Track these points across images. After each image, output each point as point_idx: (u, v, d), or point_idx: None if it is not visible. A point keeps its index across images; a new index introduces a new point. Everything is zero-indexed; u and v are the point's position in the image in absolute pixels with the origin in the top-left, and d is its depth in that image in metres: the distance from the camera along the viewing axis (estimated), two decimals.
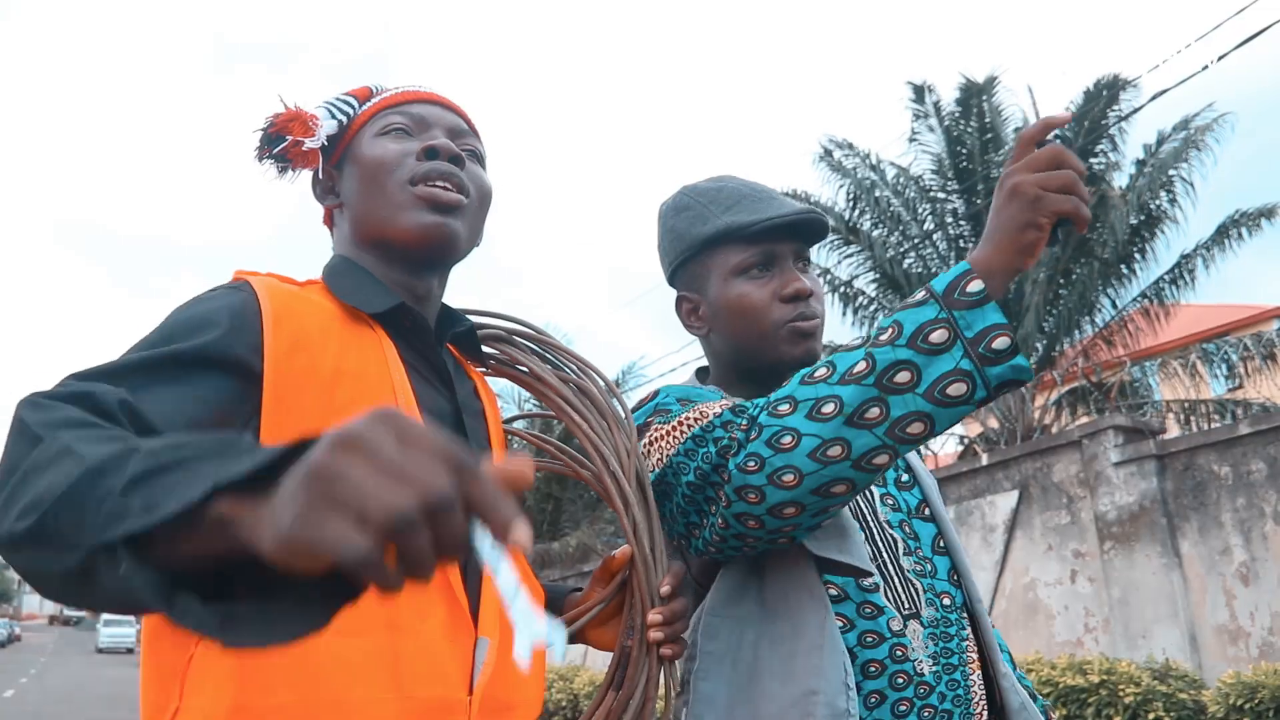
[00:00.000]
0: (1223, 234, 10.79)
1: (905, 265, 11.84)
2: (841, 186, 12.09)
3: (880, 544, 1.11)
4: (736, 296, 1.18)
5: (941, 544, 1.17)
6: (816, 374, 1.00)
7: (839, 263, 12.11)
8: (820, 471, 0.94)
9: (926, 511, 1.18)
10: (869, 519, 1.13)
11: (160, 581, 0.50)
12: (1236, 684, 4.33)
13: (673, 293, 1.29)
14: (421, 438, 0.45)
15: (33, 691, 19.27)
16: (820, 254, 12.25)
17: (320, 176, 1.01)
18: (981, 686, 1.12)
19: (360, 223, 0.96)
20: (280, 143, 0.98)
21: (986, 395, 0.92)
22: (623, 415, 1.09)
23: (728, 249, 1.19)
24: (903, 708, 1.04)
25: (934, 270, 11.79)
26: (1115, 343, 11.77)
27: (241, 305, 0.81)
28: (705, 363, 1.32)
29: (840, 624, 1.05)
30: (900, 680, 1.05)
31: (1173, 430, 10.22)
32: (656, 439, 1.11)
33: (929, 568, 1.13)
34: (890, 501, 1.16)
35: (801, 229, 1.20)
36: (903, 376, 0.92)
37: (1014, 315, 10.98)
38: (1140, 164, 10.84)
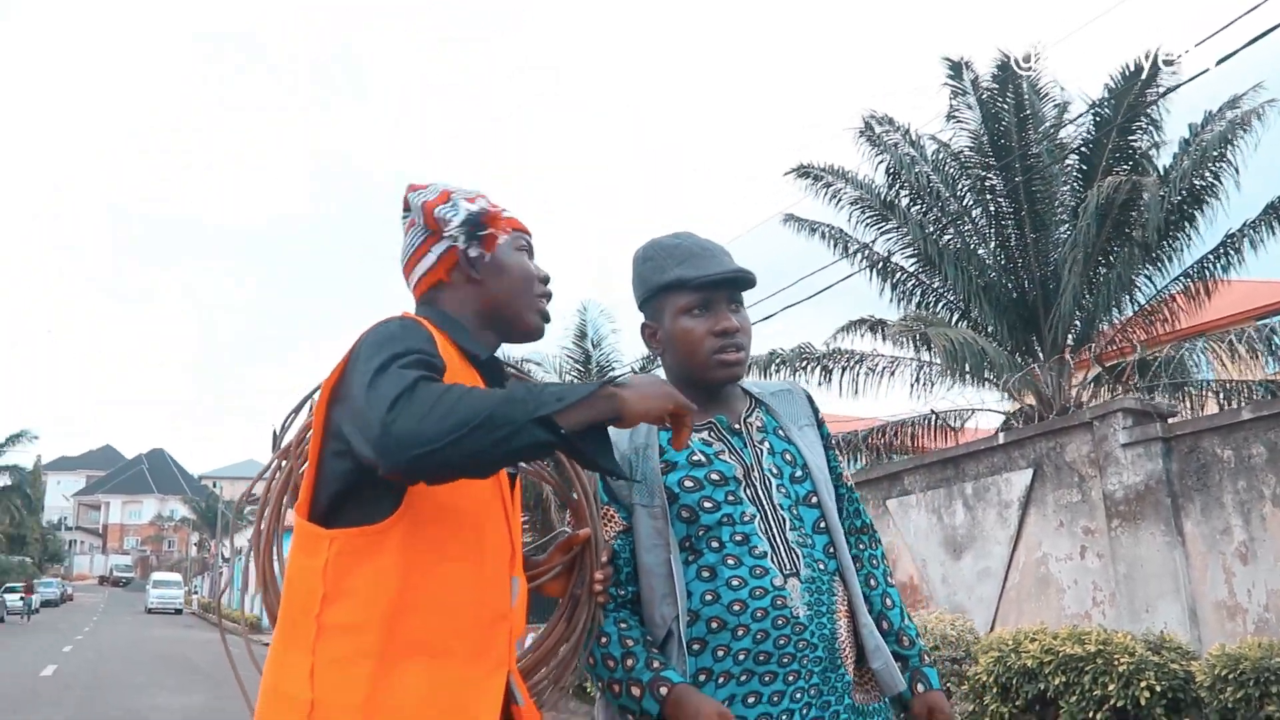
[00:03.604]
0: (1271, 213, 10.66)
1: (943, 242, 11.88)
2: (881, 162, 12.13)
3: (772, 521, 1.52)
4: (681, 330, 1.57)
5: (822, 525, 1.56)
6: None
7: (875, 239, 12.21)
8: None
9: (813, 501, 1.57)
10: (764, 503, 1.53)
11: (560, 437, 1.06)
12: (1222, 656, 4.53)
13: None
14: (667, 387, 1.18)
15: (88, 649, 19.99)
16: (858, 230, 12.36)
17: (463, 254, 1.37)
18: (850, 632, 1.52)
19: (494, 304, 1.37)
20: (485, 228, 1.37)
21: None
22: None
23: (677, 294, 1.58)
24: (781, 642, 1.45)
25: (972, 246, 11.85)
26: (1155, 322, 11.73)
27: (433, 340, 1.22)
28: None
29: (736, 582, 1.47)
30: (780, 622, 1.45)
31: (1212, 411, 10.22)
32: None
33: (809, 541, 1.53)
34: (784, 491, 1.55)
35: (734, 282, 1.58)
36: None
37: (1050, 295, 11.04)
38: (1186, 144, 10.72)
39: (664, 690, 1.42)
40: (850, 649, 1.51)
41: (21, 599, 32.65)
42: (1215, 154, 10.39)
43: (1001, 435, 7.04)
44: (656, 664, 1.46)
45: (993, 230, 11.87)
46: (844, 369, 12.14)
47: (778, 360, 12.17)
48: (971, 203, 11.92)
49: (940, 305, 12.23)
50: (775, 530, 1.51)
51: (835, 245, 12.45)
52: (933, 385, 12.06)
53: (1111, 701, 4.84)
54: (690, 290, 1.56)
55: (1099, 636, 5.11)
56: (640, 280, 1.65)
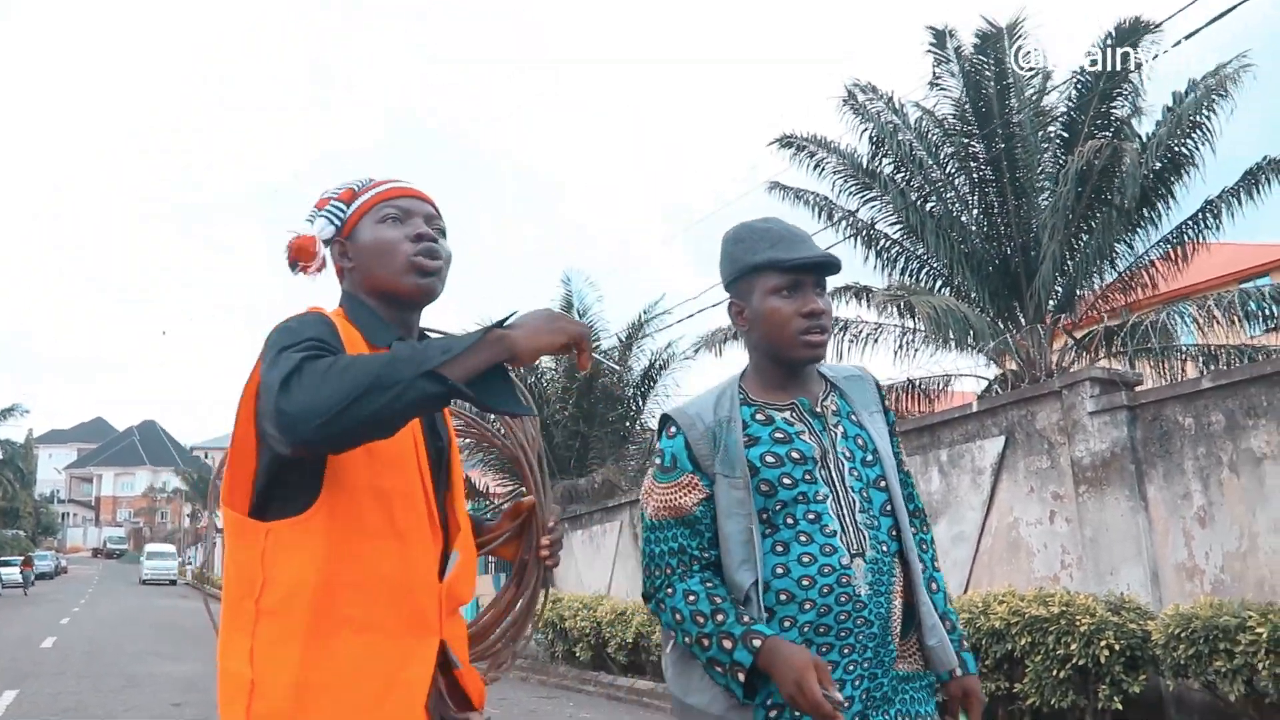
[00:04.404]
0: (1249, 180, 10.75)
1: (926, 209, 11.97)
2: (865, 131, 12.17)
3: (843, 502, 1.59)
4: (770, 309, 1.63)
5: (888, 508, 1.64)
6: None
7: (859, 207, 12.30)
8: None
9: (882, 484, 1.64)
10: (837, 485, 1.60)
11: (449, 387, 1.12)
12: (1176, 615, 4.73)
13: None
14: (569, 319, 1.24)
15: (87, 620, 20.15)
16: (842, 198, 12.42)
17: (334, 249, 1.48)
18: (901, 611, 1.60)
19: (373, 280, 1.43)
20: (296, 266, 1.47)
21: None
22: (527, 402, 1.62)
23: (768, 275, 1.64)
24: (842, 618, 1.54)
25: (955, 213, 11.95)
26: (1135, 287, 11.88)
27: (331, 327, 1.30)
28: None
29: (806, 559, 1.54)
30: (843, 599, 1.54)
31: (1191, 375, 10.40)
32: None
33: (876, 523, 1.60)
34: (855, 474, 1.62)
35: (823, 267, 1.65)
36: None
37: (1031, 262, 11.17)
38: (1168, 110, 10.78)
39: (757, 642, 1.47)
40: (899, 626, 1.60)
41: (21, 572, 32.90)
42: (1192, 120, 10.47)
43: (975, 403, 7.20)
44: (747, 618, 1.51)
45: (975, 197, 11.96)
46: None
47: None
48: (954, 170, 11.99)
49: (924, 272, 12.34)
50: (846, 511, 1.58)
51: (820, 213, 12.54)
52: (916, 351, 12.22)
53: (1074, 660, 5.05)
54: (781, 272, 1.62)
55: (1062, 598, 5.31)
56: (731, 260, 1.70)
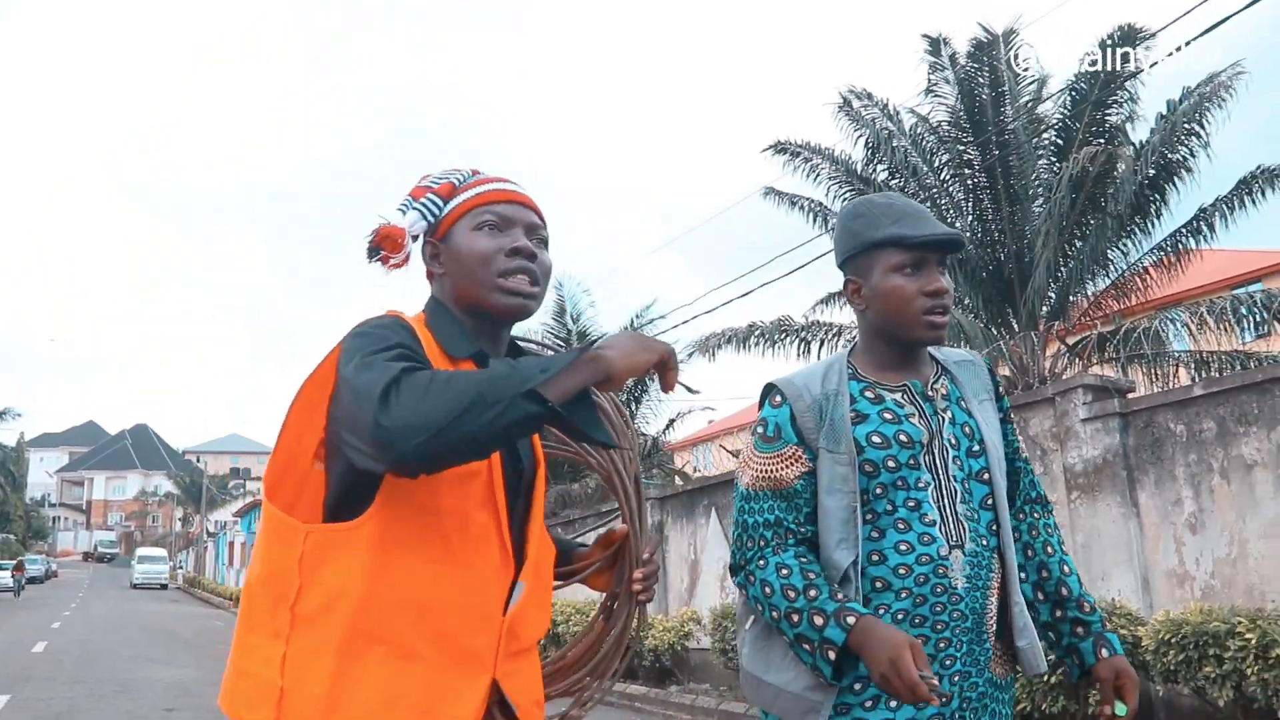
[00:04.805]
0: (1242, 188, 10.80)
1: None
2: (861, 136, 12.21)
3: (944, 493, 1.53)
4: (892, 287, 1.56)
5: (989, 501, 1.57)
6: None
7: None
8: None
9: (985, 477, 1.57)
10: (940, 473, 1.53)
11: (548, 409, 1.05)
12: (1166, 621, 4.76)
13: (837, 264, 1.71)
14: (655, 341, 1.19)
15: (77, 624, 20.00)
16: (837, 204, 12.43)
17: (426, 248, 1.35)
18: (997, 609, 1.54)
19: (460, 292, 1.31)
20: (377, 254, 1.33)
21: None
22: (627, 427, 1.51)
23: (890, 251, 1.56)
24: (938, 609, 1.48)
25: (949, 220, 11.99)
26: (1129, 293, 11.92)
27: (414, 334, 1.22)
28: None
29: (904, 547, 1.48)
30: (939, 590, 1.48)
31: (1184, 382, 10.44)
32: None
33: (976, 516, 1.54)
34: (959, 463, 1.56)
35: (946, 244, 1.58)
36: None
37: (1025, 269, 11.21)
38: (1161, 118, 10.83)
39: (851, 619, 1.40)
40: (994, 624, 1.54)
41: (13, 576, 32.76)
42: (1186, 127, 10.53)
43: None
44: (841, 595, 1.46)
45: (970, 204, 11.99)
46: (823, 341, 12.28)
47: (757, 332, 12.32)
48: (949, 177, 12.03)
49: None
50: (946, 501, 1.52)
51: (815, 219, 12.58)
52: None
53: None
54: (905, 249, 1.54)
55: None
56: (850, 236, 1.62)
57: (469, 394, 1.03)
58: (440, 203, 1.34)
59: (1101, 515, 5.99)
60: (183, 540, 60.64)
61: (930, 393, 1.59)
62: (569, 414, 1.07)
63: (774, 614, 1.49)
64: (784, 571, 1.49)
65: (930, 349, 1.64)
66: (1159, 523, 5.72)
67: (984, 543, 1.53)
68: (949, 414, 1.58)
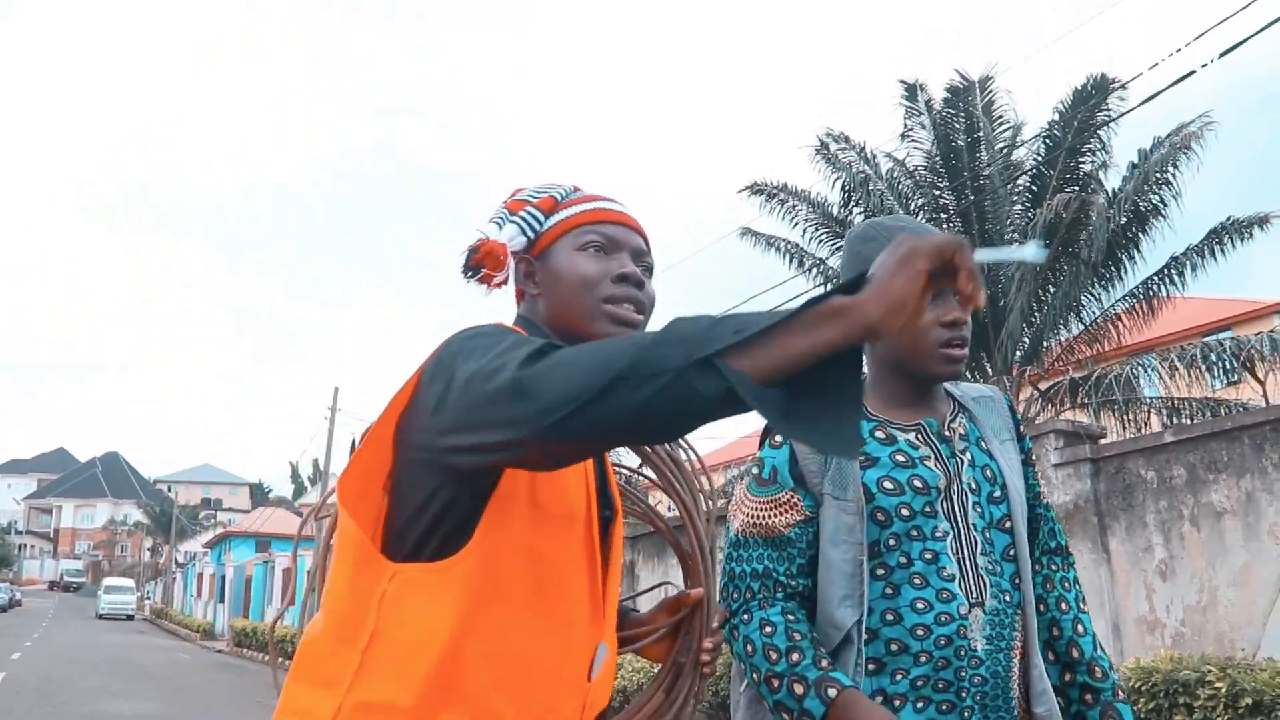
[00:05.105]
0: (1213, 238, 10.98)
1: None
2: (838, 179, 12.37)
3: (964, 543, 1.39)
4: None
5: (1011, 553, 1.43)
6: None
7: (830, 255, 12.44)
8: None
9: (1007, 525, 1.44)
10: (959, 521, 1.40)
11: (745, 382, 0.71)
12: (1137, 669, 4.73)
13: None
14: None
15: (39, 655, 19.43)
16: (812, 245, 12.58)
17: (520, 265, 1.22)
18: (1019, 670, 1.40)
19: (558, 316, 1.17)
20: (478, 272, 1.21)
21: None
22: (706, 486, 1.41)
23: None
24: (961, 674, 1.35)
25: None
26: (1101, 339, 12.06)
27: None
28: None
29: (921, 605, 1.35)
30: (960, 653, 1.35)
31: (1155, 428, 10.53)
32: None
33: (998, 569, 1.41)
34: (979, 510, 1.42)
35: None
36: None
37: (999, 314, 11.33)
38: (1134, 167, 11.03)
39: (832, 691, 1.30)
40: (1019, 685, 1.41)
41: None
42: (1158, 176, 10.73)
43: None
44: (825, 663, 1.34)
45: None
46: None
47: None
48: (925, 220, 12.19)
49: None
50: (966, 552, 1.39)
51: (791, 260, 12.68)
52: None
53: None
54: None
55: None
56: (859, 260, 1.46)
57: (620, 361, 0.77)
58: (541, 217, 1.22)
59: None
60: (151, 571, 59.56)
61: (947, 432, 1.46)
62: (767, 405, 0.74)
63: (755, 675, 1.40)
64: (767, 630, 1.39)
65: (946, 384, 1.52)
66: (1130, 569, 5.72)
67: (1006, 599, 1.39)
68: (968, 456, 1.45)
